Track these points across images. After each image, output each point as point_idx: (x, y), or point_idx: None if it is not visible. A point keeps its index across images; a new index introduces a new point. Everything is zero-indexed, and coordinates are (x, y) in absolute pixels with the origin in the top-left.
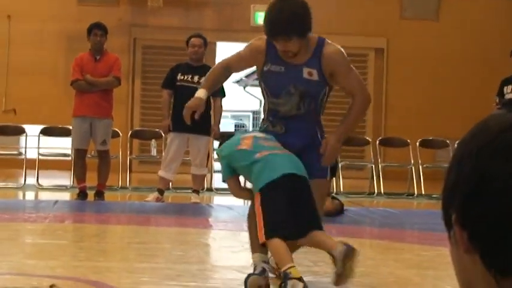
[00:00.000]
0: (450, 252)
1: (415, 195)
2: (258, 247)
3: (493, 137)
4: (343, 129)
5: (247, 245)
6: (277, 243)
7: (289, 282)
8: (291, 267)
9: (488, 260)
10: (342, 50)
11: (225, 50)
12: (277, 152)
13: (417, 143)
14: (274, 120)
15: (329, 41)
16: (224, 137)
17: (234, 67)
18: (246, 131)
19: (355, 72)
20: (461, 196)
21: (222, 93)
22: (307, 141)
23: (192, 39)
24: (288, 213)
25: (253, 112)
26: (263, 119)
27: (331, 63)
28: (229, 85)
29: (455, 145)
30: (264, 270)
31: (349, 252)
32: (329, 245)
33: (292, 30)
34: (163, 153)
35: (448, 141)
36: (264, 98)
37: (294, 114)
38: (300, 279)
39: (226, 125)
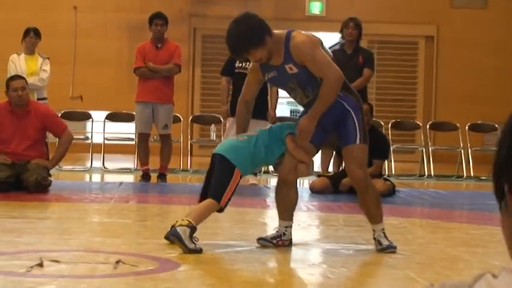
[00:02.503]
0: (501, 222)
1: (464, 178)
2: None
3: None
4: (314, 111)
5: (304, 224)
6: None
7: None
8: (184, 218)
9: None
10: (305, 38)
11: None
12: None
13: (466, 127)
14: (304, 109)
15: (294, 33)
16: (280, 121)
17: (247, 96)
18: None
19: (319, 56)
20: None
21: None
22: (337, 118)
23: None
24: (206, 179)
25: None
26: None
27: (297, 55)
28: None
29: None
30: (280, 235)
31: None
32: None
33: (242, 48)
34: (222, 138)
35: (496, 125)
36: None
37: (308, 101)
38: (179, 225)
39: (282, 110)
